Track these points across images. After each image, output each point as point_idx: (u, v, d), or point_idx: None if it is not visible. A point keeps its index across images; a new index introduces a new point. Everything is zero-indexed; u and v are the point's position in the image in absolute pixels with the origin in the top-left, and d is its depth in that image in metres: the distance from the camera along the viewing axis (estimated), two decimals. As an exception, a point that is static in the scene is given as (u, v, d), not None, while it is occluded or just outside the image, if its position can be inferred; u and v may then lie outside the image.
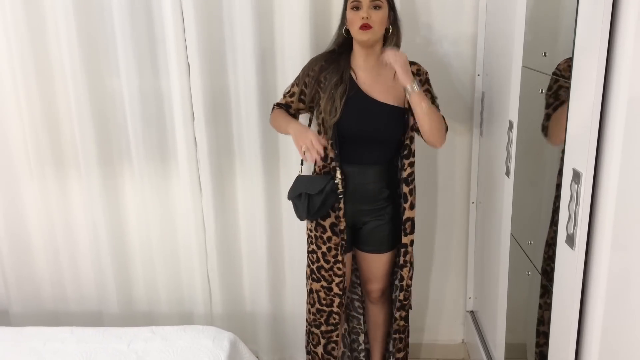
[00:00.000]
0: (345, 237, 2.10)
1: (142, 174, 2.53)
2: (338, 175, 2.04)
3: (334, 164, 2.04)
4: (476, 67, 2.38)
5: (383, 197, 2.09)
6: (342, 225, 2.08)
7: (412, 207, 2.09)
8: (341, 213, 2.07)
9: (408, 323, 2.27)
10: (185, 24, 2.31)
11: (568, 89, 1.38)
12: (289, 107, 2.15)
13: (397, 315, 2.21)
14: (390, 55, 1.88)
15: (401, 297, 2.17)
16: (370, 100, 2.00)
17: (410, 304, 2.24)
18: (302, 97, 2.10)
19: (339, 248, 2.10)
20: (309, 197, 2.04)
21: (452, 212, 2.59)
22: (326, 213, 2.08)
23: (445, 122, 2.01)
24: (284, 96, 2.16)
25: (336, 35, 2.08)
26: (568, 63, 1.39)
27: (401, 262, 2.14)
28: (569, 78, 1.38)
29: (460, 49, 2.37)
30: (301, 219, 2.12)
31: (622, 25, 1.16)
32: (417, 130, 2.00)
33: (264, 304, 2.66)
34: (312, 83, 2.06)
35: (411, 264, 2.15)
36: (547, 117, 1.61)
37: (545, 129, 1.64)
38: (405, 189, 2.06)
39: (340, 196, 2.05)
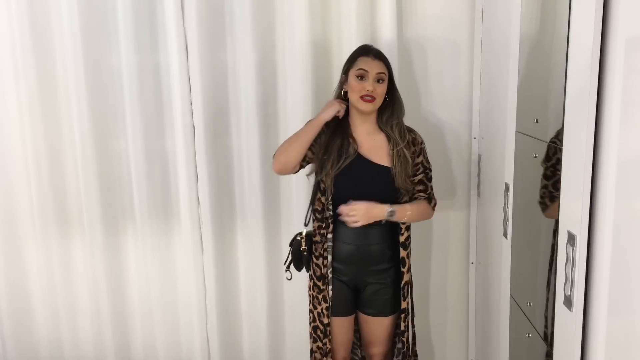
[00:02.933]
0: (328, 300, 2.10)
1: (145, 233, 2.56)
2: (303, 233, 2.14)
3: (323, 224, 2.07)
4: (472, 130, 2.45)
5: (386, 258, 2.10)
6: (329, 293, 2.09)
7: (409, 270, 2.10)
8: (329, 279, 2.08)
9: None
10: (191, 88, 2.40)
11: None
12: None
13: None
14: (349, 218, 1.98)
15: None
16: (369, 163, 2.05)
17: None
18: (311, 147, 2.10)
19: (326, 310, 2.11)
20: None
21: (452, 272, 2.60)
22: (320, 274, 2.09)
23: (431, 203, 2.10)
24: None
25: (335, 97, 2.14)
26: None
27: (402, 327, 2.12)
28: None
29: (457, 113, 2.45)
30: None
31: (609, 92, 1.22)
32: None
33: (263, 365, 2.63)
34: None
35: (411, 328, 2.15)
36: (549, 193, 1.63)
37: (543, 203, 1.66)
38: (404, 253, 2.08)
39: (305, 253, 2.13)
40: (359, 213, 1.97)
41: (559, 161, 1.51)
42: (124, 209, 2.58)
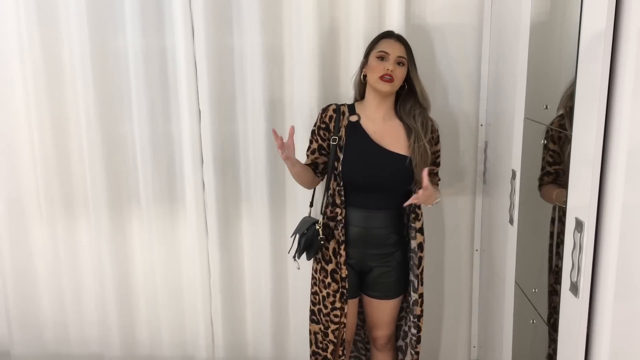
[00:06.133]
0: (346, 285, 2.10)
1: (150, 216, 2.56)
2: (320, 220, 2.09)
3: (338, 210, 2.08)
4: (479, 117, 2.44)
5: (391, 242, 2.11)
6: (344, 273, 2.09)
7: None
8: (342, 260, 2.09)
9: None
10: (197, 72, 2.40)
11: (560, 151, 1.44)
12: (316, 165, 2.16)
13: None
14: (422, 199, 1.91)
15: (418, 350, 2.18)
16: (380, 149, 2.04)
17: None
18: (322, 151, 2.13)
19: (337, 295, 2.11)
20: (300, 238, 2.13)
21: (457, 259, 2.60)
22: (329, 258, 2.11)
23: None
24: (307, 156, 2.17)
25: (357, 82, 2.16)
26: (560, 121, 1.44)
27: (418, 312, 2.14)
28: (563, 129, 1.43)
29: (465, 100, 2.44)
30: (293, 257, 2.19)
31: (620, 79, 1.21)
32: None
33: (266, 348, 2.65)
34: (325, 134, 2.11)
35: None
36: (542, 178, 1.65)
37: (539, 188, 1.69)
38: (420, 239, 2.09)
39: (322, 242, 2.09)
40: (425, 200, 1.93)
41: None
42: (129, 193, 2.59)
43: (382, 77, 1.98)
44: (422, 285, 2.12)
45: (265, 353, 2.66)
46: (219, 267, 2.57)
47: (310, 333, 2.23)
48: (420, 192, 1.88)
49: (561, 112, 1.53)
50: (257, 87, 2.41)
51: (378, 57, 2.01)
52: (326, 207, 2.14)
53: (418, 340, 2.17)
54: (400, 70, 2.01)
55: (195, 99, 2.43)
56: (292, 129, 1.95)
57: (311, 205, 2.21)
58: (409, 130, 2.05)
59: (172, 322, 2.69)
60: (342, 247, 2.08)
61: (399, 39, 2.06)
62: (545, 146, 1.63)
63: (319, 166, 2.15)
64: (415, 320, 2.15)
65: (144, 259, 2.65)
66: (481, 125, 2.44)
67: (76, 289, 2.71)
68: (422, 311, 2.14)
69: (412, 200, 1.91)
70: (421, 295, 2.13)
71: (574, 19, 1.39)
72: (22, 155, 2.59)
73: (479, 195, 2.52)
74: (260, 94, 2.42)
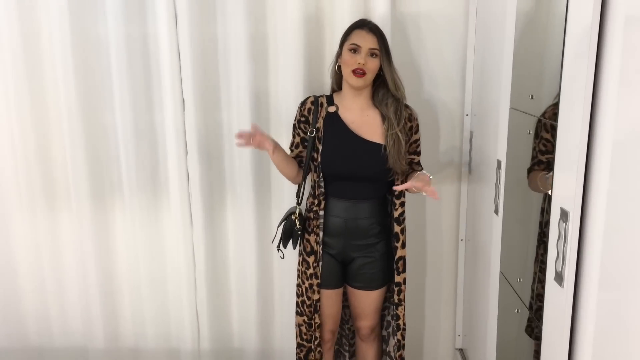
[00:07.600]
0: (319, 276, 2.12)
1: (134, 207, 2.53)
2: (296, 212, 2.11)
3: (316, 201, 2.08)
4: (464, 107, 2.44)
5: (374, 233, 2.11)
6: (319, 265, 2.11)
7: (403, 246, 2.11)
8: (319, 251, 2.10)
9: None
10: (181, 61, 2.36)
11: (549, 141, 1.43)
12: (302, 159, 2.15)
13: (397, 355, 2.21)
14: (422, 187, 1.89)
15: (399, 337, 2.18)
16: (358, 139, 2.04)
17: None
18: (305, 144, 2.12)
19: (317, 286, 2.12)
20: (279, 227, 2.18)
21: (441, 249, 2.61)
22: (310, 249, 2.11)
23: None
24: (292, 150, 2.17)
25: (332, 73, 2.14)
26: (554, 110, 1.44)
27: (395, 300, 2.14)
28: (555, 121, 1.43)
29: (450, 90, 2.44)
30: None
31: (607, 70, 1.21)
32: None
33: (252, 340, 2.65)
34: (306, 127, 2.10)
35: (404, 302, 2.17)
36: (532, 167, 1.66)
37: (528, 176, 1.69)
38: (397, 229, 2.09)
39: (299, 232, 2.10)
40: (428, 187, 1.90)
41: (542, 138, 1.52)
42: (112, 183, 2.55)
43: (354, 72, 1.96)
44: (398, 274, 2.11)
45: (251, 344, 2.65)
46: (204, 258, 2.55)
47: (295, 325, 2.23)
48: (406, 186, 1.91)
49: (556, 100, 1.53)
50: (242, 77, 2.38)
51: (350, 50, 1.97)
52: (307, 198, 2.14)
53: (398, 328, 2.17)
54: (373, 62, 1.98)
55: (179, 88, 2.39)
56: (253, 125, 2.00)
57: (299, 203, 2.20)
58: (384, 119, 2.04)
59: (156, 313, 2.67)
60: (317, 238, 2.09)
61: (372, 29, 2.00)
62: (537, 134, 1.63)
63: (304, 159, 2.14)
64: (394, 308, 2.15)
65: (128, 250, 2.62)
66: (466, 115, 2.44)
67: (58, 281, 2.68)
68: (400, 300, 2.13)
69: (403, 186, 1.92)
70: (398, 284, 2.12)
71: (560, 7, 1.39)
72: (2, 144, 2.54)
73: (464, 185, 2.52)
74: (245, 84, 2.39)
